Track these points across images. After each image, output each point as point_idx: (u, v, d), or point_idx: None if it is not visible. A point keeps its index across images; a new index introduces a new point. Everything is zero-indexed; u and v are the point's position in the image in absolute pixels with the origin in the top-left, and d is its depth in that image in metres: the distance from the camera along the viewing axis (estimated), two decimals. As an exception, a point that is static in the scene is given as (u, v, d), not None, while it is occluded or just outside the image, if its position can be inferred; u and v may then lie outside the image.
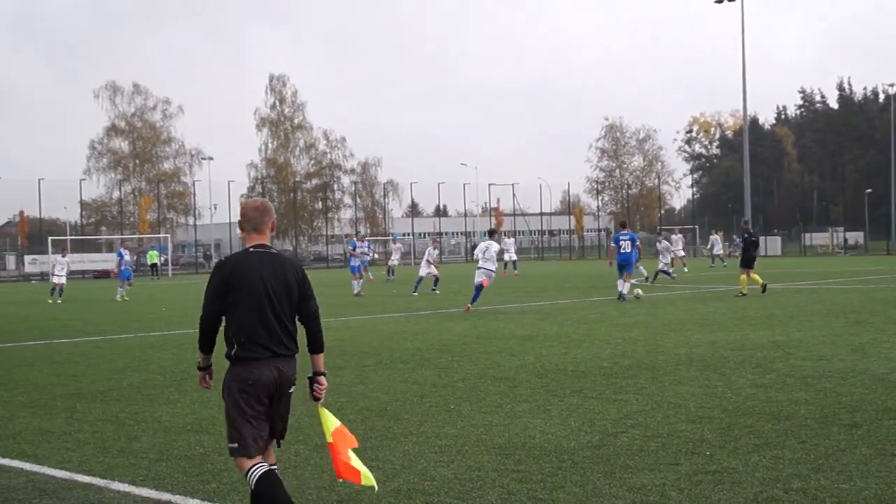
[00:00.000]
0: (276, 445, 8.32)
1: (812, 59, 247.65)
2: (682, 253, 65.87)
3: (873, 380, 15.05)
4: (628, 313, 29.38)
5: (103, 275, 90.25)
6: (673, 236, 64.48)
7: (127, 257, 51.49)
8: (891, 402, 13.09)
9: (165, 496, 9.47)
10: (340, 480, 8.48)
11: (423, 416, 13.24)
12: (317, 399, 8.43)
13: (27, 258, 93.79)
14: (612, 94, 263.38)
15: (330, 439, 8.33)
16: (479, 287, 33.91)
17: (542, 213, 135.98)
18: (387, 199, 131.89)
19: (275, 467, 8.03)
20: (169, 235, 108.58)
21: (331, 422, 8.39)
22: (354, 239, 52.85)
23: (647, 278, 45.76)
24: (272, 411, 8.01)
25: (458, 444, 11.33)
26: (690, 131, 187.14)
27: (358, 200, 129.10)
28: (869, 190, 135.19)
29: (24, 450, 11.67)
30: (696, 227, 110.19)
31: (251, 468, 7.72)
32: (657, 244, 47.02)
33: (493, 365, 18.17)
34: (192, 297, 46.42)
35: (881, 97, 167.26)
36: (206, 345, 8.24)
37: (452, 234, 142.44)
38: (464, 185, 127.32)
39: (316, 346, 8.50)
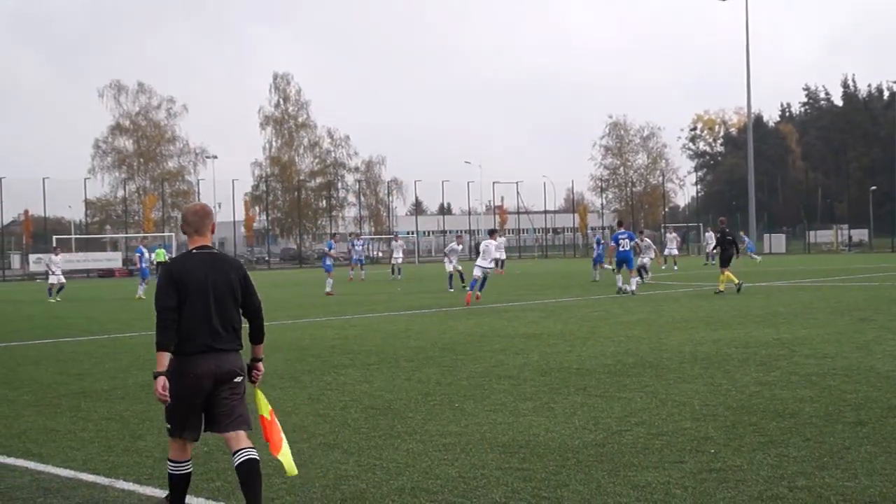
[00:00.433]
0: (241, 426, 8.66)
1: (816, 56, 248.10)
2: (675, 252, 66.05)
3: (878, 377, 15.05)
4: (632, 311, 29.38)
5: (108, 273, 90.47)
6: (668, 234, 64.35)
7: (147, 255, 51.76)
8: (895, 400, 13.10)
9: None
10: (275, 456, 8.92)
11: (428, 414, 13.25)
12: (253, 382, 9.00)
13: (32, 257, 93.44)
14: (617, 91, 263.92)
15: (265, 414, 8.94)
16: (474, 280, 37.38)
17: (545, 211, 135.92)
18: (391, 198, 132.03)
19: (253, 450, 8.44)
20: (173, 234, 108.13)
21: (266, 404, 9.02)
22: (331, 240, 53.58)
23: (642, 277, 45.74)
24: (213, 402, 8.55)
25: (463, 442, 11.33)
26: (695, 129, 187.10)
27: (362, 199, 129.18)
28: (873, 187, 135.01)
29: (29, 448, 11.68)
30: (701, 224, 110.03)
31: (180, 462, 8.57)
32: (637, 242, 47.23)
33: (497, 363, 18.17)
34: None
35: (886, 94, 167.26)
36: (167, 340, 8.39)
37: (456, 231, 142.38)
38: (468, 183, 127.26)
39: (257, 337, 9.13)
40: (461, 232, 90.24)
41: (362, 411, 13.60)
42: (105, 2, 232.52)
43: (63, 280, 50.38)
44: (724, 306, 30.28)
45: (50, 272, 50.73)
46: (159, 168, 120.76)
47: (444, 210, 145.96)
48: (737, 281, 37.08)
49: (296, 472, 8.90)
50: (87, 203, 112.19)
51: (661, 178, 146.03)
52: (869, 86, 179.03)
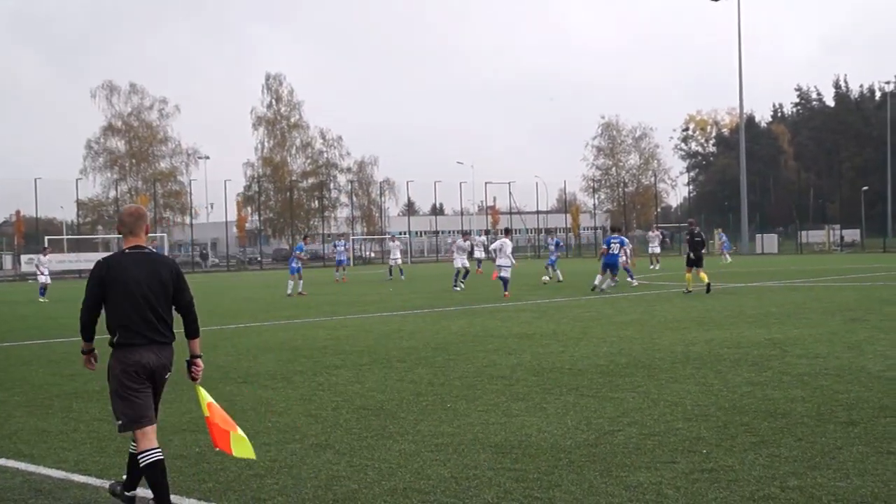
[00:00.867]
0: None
1: (808, 56, 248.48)
2: (658, 250, 66.19)
3: (870, 377, 15.09)
4: (624, 311, 29.41)
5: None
6: (650, 233, 64.33)
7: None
8: (887, 400, 13.12)
9: (162, 495, 9.45)
10: (216, 450, 9.35)
11: (420, 414, 13.25)
12: (194, 379, 9.39)
13: (23, 258, 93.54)
14: (613, 92, 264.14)
15: (207, 413, 9.18)
16: (502, 279, 40.00)
17: (538, 212, 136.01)
18: (383, 198, 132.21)
19: (159, 453, 8.76)
20: (165, 235, 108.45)
21: (207, 399, 9.24)
22: (302, 242, 53.81)
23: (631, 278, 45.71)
24: (155, 390, 9.11)
25: (455, 442, 11.34)
26: (687, 129, 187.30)
27: (354, 199, 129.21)
28: (865, 187, 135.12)
29: (21, 450, 11.68)
30: (690, 224, 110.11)
31: (148, 450, 8.69)
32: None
33: (489, 363, 18.18)
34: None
35: (877, 95, 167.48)
36: (88, 334, 9.15)
37: (448, 232, 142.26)
38: (460, 183, 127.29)
39: (192, 332, 9.44)
40: (469, 230, 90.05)
41: (354, 412, 13.60)
42: (104, 2, 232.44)
43: (48, 280, 50.51)
44: (717, 306, 30.32)
45: (38, 272, 50.90)
46: (151, 169, 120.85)
47: (437, 210, 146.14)
48: (706, 281, 37.50)
49: (253, 456, 9.32)
50: (79, 204, 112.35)
51: (653, 179, 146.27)
52: (861, 86, 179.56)
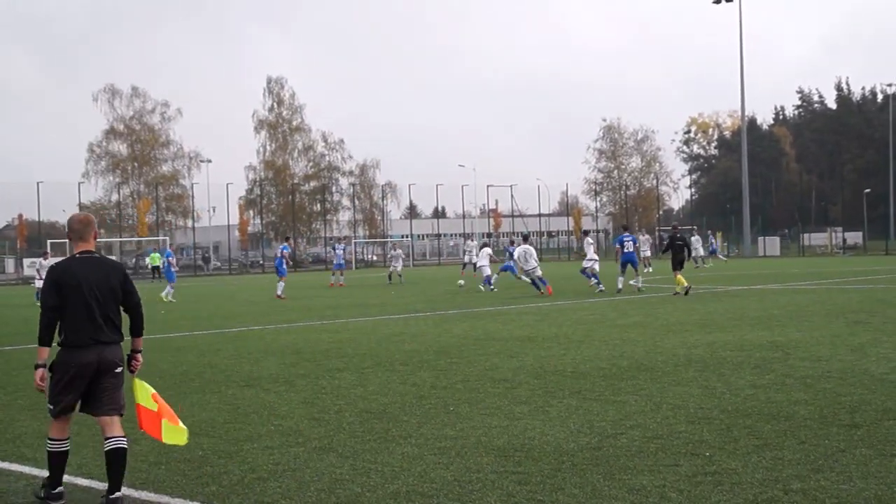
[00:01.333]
0: (119, 414, 9.78)
1: (810, 58, 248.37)
2: (648, 253, 66.29)
3: (873, 380, 15.09)
4: (626, 314, 29.42)
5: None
6: (641, 237, 64.39)
7: (173, 258, 51.83)
8: (890, 403, 13.12)
9: (165, 499, 9.52)
10: (141, 431, 10.19)
11: (423, 418, 13.25)
12: (132, 372, 9.97)
13: (26, 261, 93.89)
14: (613, 93, 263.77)
15: (138, 401, 9.93)
16: (539, 279, 42.08)
17: (540, 215, 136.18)
18: (385, 201, 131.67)
19: (123, 439, 9.50)
20: (167, 238, 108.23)
21: (144, 390, 9.99)
22: (286, 244, 53.83)
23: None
24: (94, 388, 9.61)
25: (458, 446, 11.34)
26: (689, 132, 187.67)
27: (356, 202, 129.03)
28: (867, 190, 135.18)
29: (24, 453, 11.70)
30: (695, 227, 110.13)
31: (61, 440, 9.58)
32: (584, 243, 47.55)
33: (491, 367, 18.17)
34: (191, 299, 46.40)
35: (879, 97, 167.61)
36: (46, 337, 9.51)
37: (450, 235, 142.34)
38: (462, 186, 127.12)
39: (137, 331, 10.09)
40: (483, 235, 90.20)
41: (357, 415, 13.60)
42: (104, 3, 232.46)
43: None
44: (719, 309, 30.33)
45: (38, 276, 51.10)
46: (153, 172, 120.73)
47: (439, 213, 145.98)
48: (685, 284, 37.94)
49: (185, 442, 10.07)
50: (81, 207, 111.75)
51: (654, 181, 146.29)
52: (863, 88, 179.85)
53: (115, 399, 9.70)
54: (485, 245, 50.48)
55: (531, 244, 45.63)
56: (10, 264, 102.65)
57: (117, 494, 9.21)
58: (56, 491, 9.52)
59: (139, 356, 10.08)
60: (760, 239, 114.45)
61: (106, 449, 9.35)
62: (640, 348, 20.25)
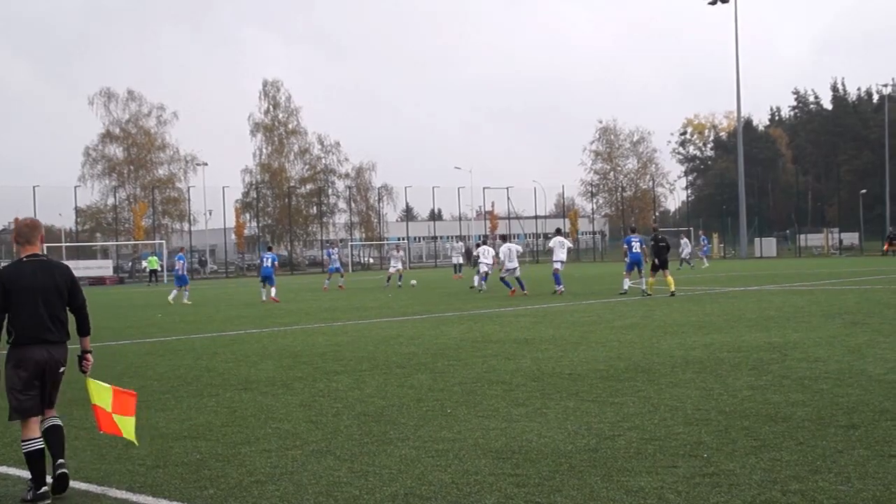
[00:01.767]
0: (51, 407, 10.41)
1: (806, 59, 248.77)
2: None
3: (870, 381, 15.11)
4: (624, 315, 29.48)
5: (99, 281, 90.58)
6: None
7: (183, 261, 52.23)
8: (888, 404, 13.14)
9: (163, 502, 9.53)
10: (101, 433, 10.86)
11: (420, 420, 13.27)
12: (84, 372, 10.52)
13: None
14: (607, 96, 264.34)
15: (94, 401, 10.49)
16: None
17: (536, 216, 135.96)
18: (381, 204, 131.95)
19: (57, 420, 10.37)
20: (164, 241, 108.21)
21: (101, 389, 10.55)
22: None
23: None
24: (43, 385, 10.15)
25: (455, 448, 11.35)
26: (684, 133, 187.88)
27: (352, 205, 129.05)
28: (864, 190, 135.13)
29: (21, 457, 11.67)
30: (691, 228, 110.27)
31: (33, 439, 9.95)
32: (556, 242, 47.73)
33: (489, 369, 18.20)
34: (186, 307, 46.37)
35: (875, 97, 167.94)
36: None
37: (447, 237, 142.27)
38: (458, 188, 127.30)
39: (84, 330, 10.57)
40: (486, 236, 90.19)
41: (354, 418, 13.63)
42: (98, 7, 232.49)
43: None
44: (716, 310, 30.38)
45: None
46: (150, 175, 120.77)
47: (435, 216, 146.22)
48: (649, 292, 38.90)
49: (134, 439, 10.74)
50: (78, 211, 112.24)
51: (651, 183, 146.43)
52: (858, 89, 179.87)
53: (55, 395, 10.43)
54: (484, 244, 50.37)
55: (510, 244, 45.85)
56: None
57: (61, 461, 9.92)
58: (41, 491, 9.73)
59: (89, 356, 10.58)
60: (757, 240, 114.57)
61: (43, 428, 10.05)
62: (637, 350, 20.29)
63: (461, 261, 65.30)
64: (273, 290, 46.81)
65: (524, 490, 9.38)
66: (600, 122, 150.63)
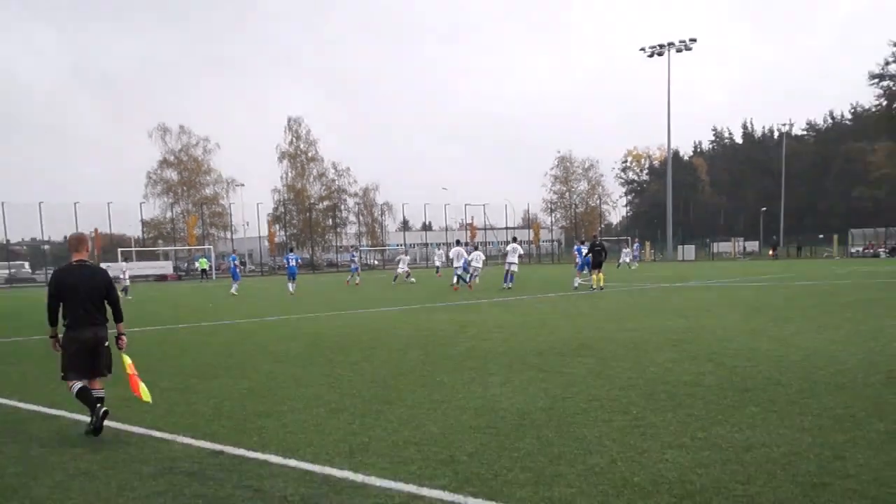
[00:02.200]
0: (104, 375, 11.12)
1: (722, 103, 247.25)
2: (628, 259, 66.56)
3: (761, 356, 15.28)
4: (575, 306, 29.49)
5: (161, 279, 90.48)
6: (576, 246, 64.74)
7: (237, 261, 52.54)
8: (774, 373, 13.31)
9: (218, 447, 9.68)
10: (132, 393, 11.39)
11: (415, 386, 13.34)
12: (120, 349, 11.23)
13: (102, 266, 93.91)
14: (564, 130, 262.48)
15: (129, 371, 11.29)
16: (472, 276, 44.40)
17: (507, 227, 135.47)
18: (383, 217, 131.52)
19: (101, 391, 10.95)
20: (211, 247, 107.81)
21: (129, 361, 11.33)
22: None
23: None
24: (92, 356, 10.83)
25: (443, 407, 11.48)
26: (626, 161, 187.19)
27: (360, 218, 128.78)
28: (764, 209, 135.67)
29: (119, 416, 11.68)
30: (629, 238, 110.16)
31: (73, 385, 10.74)
32: (509, 248, 47.74)
33: (468, 347, 18.18)
34: (232, 297, 46.30)
35: (776, 134, 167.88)
36: (52, 321, 10.90)
37: (436, 244, 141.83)
38: (445, 205, 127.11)
39: (118, 318, 11.28)
40: (468, 242, 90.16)
41: (364, 384, 13.69)
42: (154, 60, 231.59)
43: (127, 284, 51.90)
44: (647, 302, 30.44)
45: (122, 276, 51.94)
46: (198, 194, 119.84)
47: (426, 227, 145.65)
48: (600, 285, 39.08)
49: (150, 400, 11.43)
50: (143, 223, 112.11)
51: (598, 201, 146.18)
52: (763, 127, 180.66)
53: (104, 363, 10.98)
54: (476, 248, 49.88)
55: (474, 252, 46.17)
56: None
57: (101, 406, 10.61)
58: (97, 423, 10.54)
59: (123, 338, 11.35)
60: (680, 247, 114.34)
61: (94, 396, 10.68)
62: (584, 332, 20.28)
63: (441, 263, 64.75)
64: (292, 286, 46.49)
65: (496, 439, 9.54)
66: (558, 152, 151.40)
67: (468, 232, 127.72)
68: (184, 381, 14.91)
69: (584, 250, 42.26)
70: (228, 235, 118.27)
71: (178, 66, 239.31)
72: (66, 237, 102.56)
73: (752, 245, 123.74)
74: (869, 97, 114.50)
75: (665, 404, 11.12)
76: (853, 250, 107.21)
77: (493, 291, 40.77)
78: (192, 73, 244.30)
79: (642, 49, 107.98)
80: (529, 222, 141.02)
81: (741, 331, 19.57)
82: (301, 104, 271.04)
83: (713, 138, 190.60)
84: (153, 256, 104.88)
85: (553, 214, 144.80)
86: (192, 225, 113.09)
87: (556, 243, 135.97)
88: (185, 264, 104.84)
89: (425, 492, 7.72)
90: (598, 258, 39.58)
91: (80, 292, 10.72)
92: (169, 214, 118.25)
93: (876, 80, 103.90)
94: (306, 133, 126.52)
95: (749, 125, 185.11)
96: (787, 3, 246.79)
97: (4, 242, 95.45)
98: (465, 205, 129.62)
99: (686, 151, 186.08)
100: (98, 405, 10.57)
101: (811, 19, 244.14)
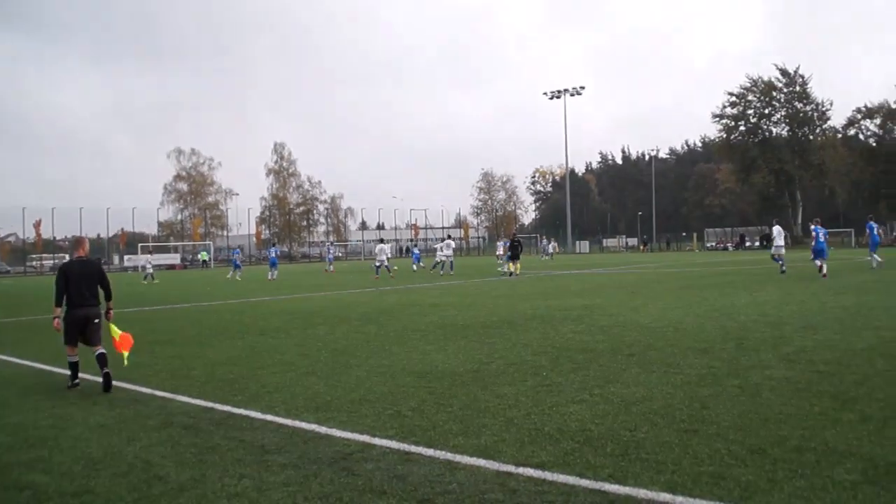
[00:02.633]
0: (98, 344, 11.09)
1: (606, 132, 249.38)
2: (500, 252, 66.75)
3: (642, 328, 15.19)
4: (496, 289, 29.43)
5: (171, 267, 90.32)
6: (498, 242, 64.76)
7: (238, 254, 52.75)
8: (652, 341, 13.23)
9: (209, 404, 9.40)
10: (117, 352, 11.63)
11: (369, 353, 13.15)
12: (108, 319, 11.47)
13: (126, 257, 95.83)
14: (487, 150, 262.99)
15: (116, 338, 11.49)
16: (447, 261, 43.81)
17: (443, 227, 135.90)
18: (347, 219, 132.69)
19: (101, 349, 10.94)
20: (211, 243, 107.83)
21: (117, 330, 11.53)
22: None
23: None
24: (86, 331, 11.06)
25: (391, 371, 11.27)
26: (535, 177, 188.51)
27: (328, 220, 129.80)
28: (640, 213, 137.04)
29: (123, 375, 11.51)
30: (538, 236, 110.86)
31: (72, 356, 11.15)
32: (439, 244, 48.13)
33: (412, 322, 18.06)
34: (227, 281, 45.85)
35: (647, 157, 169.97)
36: (58, 303, 11.00)
37: (389, 240, 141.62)
38: (394, 209, 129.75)
39: (108, 297, 11.51)
40: (449, 235, 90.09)
41: (329, 352, 13.47)
42: (172, 98, 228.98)
43: (152, 270, 52.94)
44: (552, 286, 30.44)
45: (149, 266, 52.44)
46: (203, 202, 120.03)
47: (380, 227, 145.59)
48: (516, 273, 39.27)
49: (126, 364, 11.73)
50: (159, 224, 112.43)
51: (513, 207, 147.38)
52: (637, 151, 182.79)
53: (98, 336, 11.13)
54: (449, 237, 49.31)
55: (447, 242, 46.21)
56: (115, 259, 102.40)
57: (106, 370, 10.67)
58: (75, 382, 11.05)
59: (111, 312, 11.53)
60: (577, 242, 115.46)
61: (96, 354, 10.83)
62: (504, 310, 20.21)
63: (381, 258, 64.65)
64: (275, 273, 46.35)
65: (433, 396, 9.35)
66: (483, 168, 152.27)
67: (412, 230, 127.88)
68: (184, 349, 14.59)
69: (505, 243, 42.80)
70: (225, 233, 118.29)
71: (191, 100, 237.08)
72: (118, 231, 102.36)
73: (633, 241, 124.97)
74: (713, 131, 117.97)
75: (568, 367, 10.97)
76: (708, 245, 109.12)
77: (433, 277, 40.70)
78: (199, 108, 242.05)
79: (545, 93, 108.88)
80: (461, 223, 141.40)
81: (626, 307, 19.53)
82: (285, 130, 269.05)
83: (600, 160, 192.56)
84: (165, 250, 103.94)
85: (479, 217, 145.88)
86: (196, 225, 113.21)
87: (481, 239, 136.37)
88: (190, 256, 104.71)
89: (377, 441, 7.51)
90: (516, 251, 39.95)
91: (77, 280, 11.06)
92: (179, 217, 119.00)
93: (718, 118, 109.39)
94: (288, 154, 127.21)
95: (626, 150, 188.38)
96: (651, 60, 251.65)
97: (52, 239, 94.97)
98: (411, 209, 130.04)
99: (580, 169, 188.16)
100: (104, 371, 10.77)
101: (669, 73, 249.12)
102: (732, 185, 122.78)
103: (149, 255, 57.05)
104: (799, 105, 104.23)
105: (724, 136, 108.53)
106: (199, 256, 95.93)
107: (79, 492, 6.45)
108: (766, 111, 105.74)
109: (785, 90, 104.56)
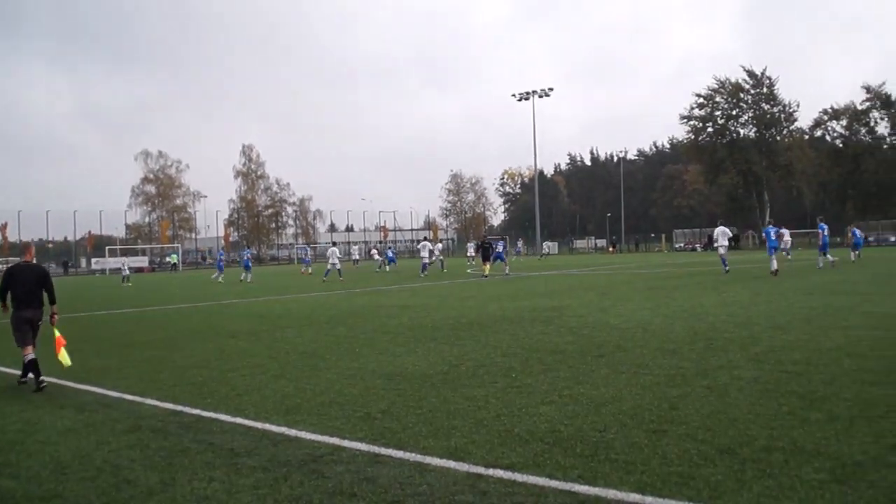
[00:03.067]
0: (34, 344, 11.42)
1: (575, 134, 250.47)
2: (472, 253, 67.10)
3: (611, 328, 15.23)
4: (466, 290, 29.43)
5: (139, 270, 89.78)
6: (468, 244, 64.59)
7: (223, 256, 52.74)
8: (622, 342, 13.24)
9: (179, 407, 9.33)
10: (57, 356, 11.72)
11: (339, 356, 13.08)
12: (52, 323, 11.70)
13: (93, 260, 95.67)
14: (456, 153, 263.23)
15: (56, 335, 11.69)
16: (424, 263, 44.41)
17: (412, 229, 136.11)
18: (315, 221, 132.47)
19: (33, 355, 11.24)
20: (180, 245, 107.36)
21: (58, 332, 11.72)
22: (247, 248, 55.66)
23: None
24: (31, 328, 11.42)
25: (361, 373, 11.22)
26: (503, 178, 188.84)
27: (297, 222, 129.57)
28: (609, 214, 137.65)
29: (91, 379, 11.42)
30: (507, 237, 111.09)
31: (26, 356, 11.23)
32: (419, 245, 48.54)
33: (382, 324, 18.01)
34: (196, 283, 45.57)
35: (615, 158, 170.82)
36: (2, 300, 11.55)
37: (357, 242, 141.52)
38: (363, 211, 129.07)
39: (52, 300, 11.88)
40: (431, 238, 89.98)
41: (298, 355, 13.42)
42: (141, 100, 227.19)
43: (128, 272, 53.83)
44: (521, 287, 30.48)
45: (123, 269, 52.76)
46: (171, 204, 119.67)
47: (349, 229, 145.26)
48: (486, 274, 39.58)
49: (69, 364, 11.79)
50: (127, 226, 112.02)
51: (482, 209, 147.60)
52: (606, 153, 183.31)
53: (36, 336, 11.47)
54: (426, 240, 49.37)
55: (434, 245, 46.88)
56: (83, 262, 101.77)
57: (42, 378, 11.04)
58: (24, 379, 11.38)
59: (55, 316, 11.78)
60: (546, 243, 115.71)
61: (27, 360, 11.17)
62: (473, 311, 20.20)
63: (334, 261, 64.66)
64: (249, 276, 46.15)
65: (403, 398, 9.32)
66: (452, 170, 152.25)
67: (381, 232, 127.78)
68: (154, 352, 14.46)
69: (499, 246, 43.85)
70: (193, 236, 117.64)
71: (160, 101, 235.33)
72: (85, 234, 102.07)
73: (602, 242, 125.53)
74: (681, 132, 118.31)
75: (538, 368, 10.97)
76: (677, 246, 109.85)
77: (401, 279, 40.62)
78: (167, 109, 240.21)
79: (513, 95, 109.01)
80: (429, 224, 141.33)
81: (594, 308, 19.58)
82: (253, 132, 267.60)
83: (569, 161, 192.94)
84: (134, 253, 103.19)
85: (448, 218, 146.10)
86: (165, 228, 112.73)
87: (450, 241, 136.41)
88: (158, 259, 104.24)
89: (346, 443, 7.47)
90: (486, 253, 40.11)
91: (24, 283, 11.47)
92: (147, 220, 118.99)
93: (685, 120, 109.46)
94: (256, 156, 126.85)
95: (595, 151, 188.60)
96: (618, 64, 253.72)
97: (17, 242, 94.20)
98: (380, 211, 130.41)
99: (549, 171, 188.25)
100: (39, 378, 11.12)
101: (635, 76, 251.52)
102: (701, 185, 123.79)
103: (125, 259, 57.84)
104: (766, 106, 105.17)
105: (692, 137, 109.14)
106: (169, 259, 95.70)
107: (47, 496, 6.39)
108: (734, 112, 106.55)
109: (752, 92, 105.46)
